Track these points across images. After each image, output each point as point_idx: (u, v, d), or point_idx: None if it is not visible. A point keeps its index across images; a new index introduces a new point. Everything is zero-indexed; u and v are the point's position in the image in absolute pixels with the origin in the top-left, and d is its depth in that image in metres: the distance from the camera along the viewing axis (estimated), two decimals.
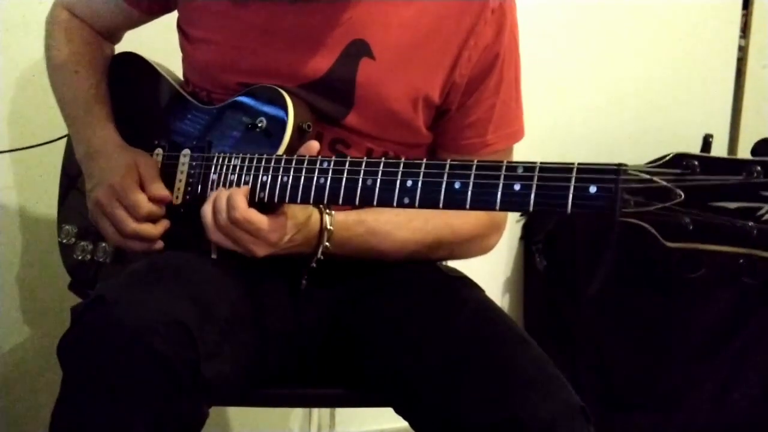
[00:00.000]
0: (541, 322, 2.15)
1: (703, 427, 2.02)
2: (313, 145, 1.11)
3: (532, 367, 1.08)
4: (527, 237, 2.18)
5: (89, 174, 1.30)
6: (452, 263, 1.40)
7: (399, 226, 1.25)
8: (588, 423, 1.05)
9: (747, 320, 2.01)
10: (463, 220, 1.29)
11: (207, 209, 1.13)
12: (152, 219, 1.24)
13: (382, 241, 1.24)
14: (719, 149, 2.35)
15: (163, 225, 1.24)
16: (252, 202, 1.12)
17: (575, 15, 2.17)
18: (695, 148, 1.19)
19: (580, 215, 0.81)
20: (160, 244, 1.24)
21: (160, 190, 1.24)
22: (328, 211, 1.18)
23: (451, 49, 1.24)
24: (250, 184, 1.13)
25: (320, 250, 1.18)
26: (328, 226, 1.17)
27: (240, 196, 1.10)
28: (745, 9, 2.35)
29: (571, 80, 2.19)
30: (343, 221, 1.19)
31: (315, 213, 1.17)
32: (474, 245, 1.34)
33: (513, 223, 2.17)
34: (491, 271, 2.17)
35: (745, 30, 2.35)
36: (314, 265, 1.21)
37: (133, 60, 1.41)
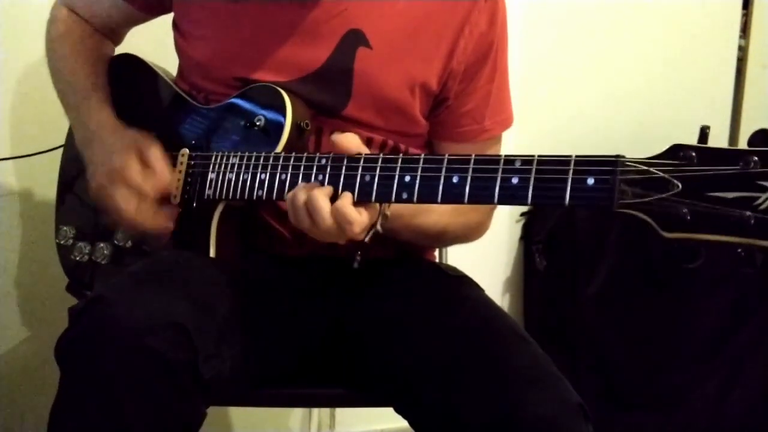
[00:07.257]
0: (541, 322, 2.15)
1: (703, 427, 2.02)
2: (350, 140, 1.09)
3: (532, 366, 1.08)
4: (527, 237, 2.18)
5: (88, 160, 1.29)
6: (452, 263, 1.40)
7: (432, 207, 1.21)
8: (587, 420, 1.05)
9: (747, 320, 2.01)
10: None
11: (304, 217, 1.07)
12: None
13: (423, 221, 1.22)
14: None
15: (167, 215, 1.22)
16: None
17: (574, 18, 2.17)
18: None
19: (578, 208, 0.81)
20: (170, 225, 1.22)
21: (164, 177, 1.22)
22: None
23: (446, 37, 1.25)
24: (248, 182, 1.13)
25: (371, 233, 1.11)
26: (386, 211, 1.12)
27: (349, 208, 1.04)
28: (745, 9, 2.35)
29: (570, 82, 2.19)
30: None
31: None
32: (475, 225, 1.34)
33: (513, 223, 2.18)
34: (491, 271, 2.17)
35: (745, 30, 2.35)
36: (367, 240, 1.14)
37: (131, 61, 1.40)
